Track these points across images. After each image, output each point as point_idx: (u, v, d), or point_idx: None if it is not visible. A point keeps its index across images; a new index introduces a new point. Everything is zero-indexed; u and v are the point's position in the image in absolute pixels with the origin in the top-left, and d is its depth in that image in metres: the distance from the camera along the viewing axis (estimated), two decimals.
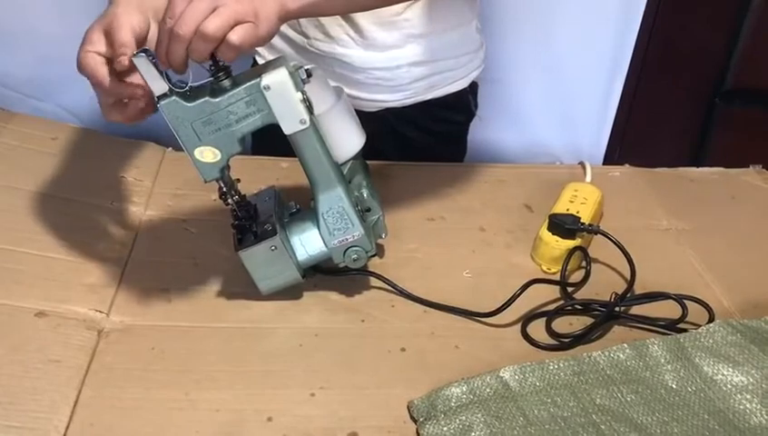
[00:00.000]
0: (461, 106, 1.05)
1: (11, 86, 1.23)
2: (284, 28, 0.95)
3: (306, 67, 0.70)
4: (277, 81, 0.67)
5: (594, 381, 0.69)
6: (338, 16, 0.91)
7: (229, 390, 0.68)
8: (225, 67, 0.67)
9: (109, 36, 0.66)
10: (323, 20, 0.92)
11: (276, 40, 0.98)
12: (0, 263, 0.79)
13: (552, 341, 0.75)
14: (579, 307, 0.79)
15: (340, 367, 0.71)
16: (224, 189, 0.73)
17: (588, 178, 1.03)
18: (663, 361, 0.71)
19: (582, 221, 0.86)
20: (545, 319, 0.77)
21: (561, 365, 0.70)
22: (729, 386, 0.68)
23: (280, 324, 0.76)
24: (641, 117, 1.54)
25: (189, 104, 0.67)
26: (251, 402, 0.66)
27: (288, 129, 0.69)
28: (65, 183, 0.93)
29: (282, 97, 0.67)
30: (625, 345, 0.72)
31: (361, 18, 0.91)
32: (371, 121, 0.98)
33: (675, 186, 1.05)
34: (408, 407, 0.67)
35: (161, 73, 0.65)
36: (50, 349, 0.69)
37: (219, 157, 0.70)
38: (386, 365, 0.72)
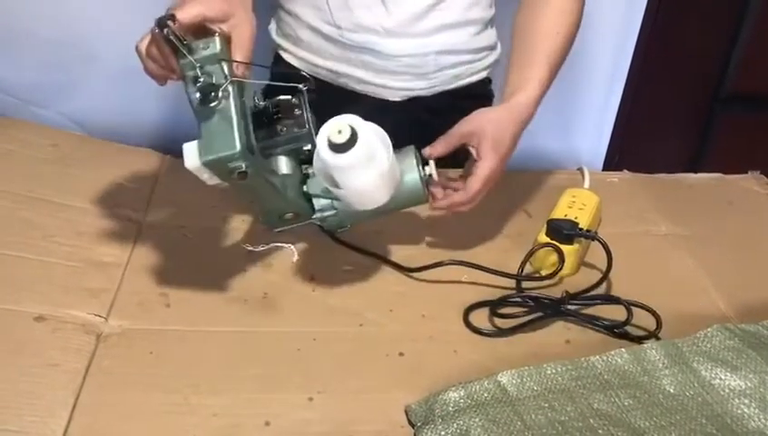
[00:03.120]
0: (483, 97, 1.08)
1: (11, 93, 1.23)
2: (314, 21, 0.97)
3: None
4: None
5: (591, 386, 0.69)
6: (373, 7, 0.93)
7: (227, 394, 0.68)
8: None
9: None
10: (357, 12, 0.94)
11: (304, 33, 0.99)
12: None
13: (492, 328, 0.78)
14: (530, 301, 0.80)
15: (338, 371, 0.71)
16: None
17: (587, 184, 1.03)
18: (661, 365, 0.71)
19: (580, 226, 0.86)
20: (488, 308, 0.80)
21: (559, 370, 0.70)
22: (727, 390, 0.68)
23: (279, 329, 0.76)
24: (640, 123, 1.54)
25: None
26: (249, 407, 0.66)
27: None
28: (65, 188, 0.93)
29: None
30: (623, 350, 0.72)
31: (397, 8, 0.93)
32: (397, 111, 1.00)
33: (674, 192, 1.05)
34: (405, 411, 0.67)
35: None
36: (48, 353, 0.69)
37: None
38: (384, 369, 0.72)
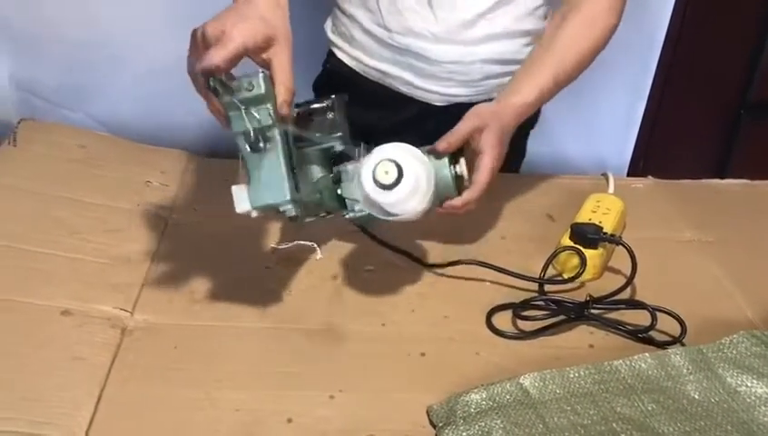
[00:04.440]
0: None
1: (40, 95, 1.25)
2: (367, 22, 0.98)
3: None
4: None
5: (615, 390, 0.68)
6: (422, 12, 0.94)
7: (249, 390, 0.68)
8: None
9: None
10: (407, 15, 0.94)
11: (357, 33, 1.00)
12: (28, 264, 0.80)
13: (515, 331, 0.77)
14: (553, 304, 0.80)
15: (360, 370, 0.72)
16: None
17: (611, 189, 1.03)
18: (685, 371, 0.70)
19: (604, 231, 0.86)
20: (511, 310, 0.80)
21: (582, 373, 0.70)
22: (753, 397, 0.67)
23: (302, 326, 0.77)
24: (665, 130, 1.53)
25: None
26: (271, 403, 0.67)
27: None
28: (92, 187, 0.95)
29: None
30: (647, 355, 0.71)
31: (448, 14, 0.93)
32: (440, 115, 1.00)
33: (699, 198, 1.04)
34: (427, 412, 0.67)
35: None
36: (75, 347, 0.70)
37: None
38: (405, 370, 0.72)
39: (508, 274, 0.84)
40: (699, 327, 0.77)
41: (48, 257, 0.82)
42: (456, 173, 0.81)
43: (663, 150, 1.55)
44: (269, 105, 0.68)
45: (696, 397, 0.68)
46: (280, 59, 0.70)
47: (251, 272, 0.82)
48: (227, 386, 0.68)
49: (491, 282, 0.85)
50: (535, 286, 0.83)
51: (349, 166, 0.78)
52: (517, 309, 0.79)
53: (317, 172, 0.79)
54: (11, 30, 1.20)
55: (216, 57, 0.65)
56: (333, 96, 0.79)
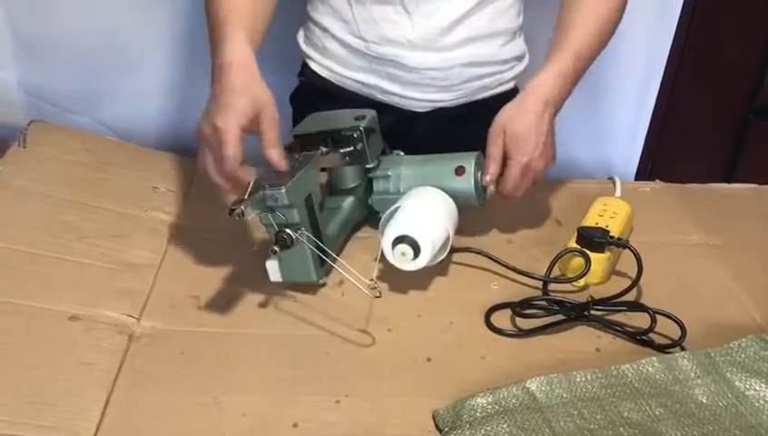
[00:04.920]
0: None
1: (49, 100, 1.26)
2: (341, 32, 0.98)
3: None
4: None
5: (622, 394, 0.68)
6: (398, 21, 0.94)
7: (255, 395, 0.68)
8: None
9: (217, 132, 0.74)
10: (382, 24, 0.95)
11: (331, 44, 1.00)
12: (36, 268, 0.80)
13: (514, 330, 0.78)
14: (554, 304, 0.80)
15: (366, 375, 0.72)
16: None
17: (618, 193, 1.03)
18: (693, 375, 0.70)
19: (611, 234, 0.85)
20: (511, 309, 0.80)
21: (588, 377, 0.69)
22: (761, 402, 0.67)
23: (308, 332, 0.77)
24: (673, 134, 1.52)
25: None
26: (277, 408, 0.67)
27: None
28: (100, 192, 0.95)
29: None
30: (654, 359, 0.71)
31: (424, 21, 0.94)
32: (424, 121, 1.00)
33: (707, 202, 1.04)
34: (433, 416, 0.67)
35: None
36: (82, 352, 0.71)
37: None
38: (411, 374, 0.72)
39: (512, 270, 0.85)
40: (706, 331, 0.77)
41: (55, 261, 0.82)
42: (478, 183, 0.87)
43: (671, 154, 1.54)
44: (295, 211, 0.75)
45: (704, 401, 0.67)
46: (267, 114, 0.76)
47: (258, 277, 0.82)
48: (233, 391, 0.68)
49: (498, 287, 0.84)
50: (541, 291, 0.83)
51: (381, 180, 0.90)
52: (518, 307, 0.79)
53: (350, 181, 0.91)
54: (19, 35, 1.21)
55: (230, 164, 0.73)
56: (361, 128, 0.86)
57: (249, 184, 0.73)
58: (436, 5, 0.93)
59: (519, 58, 1.05)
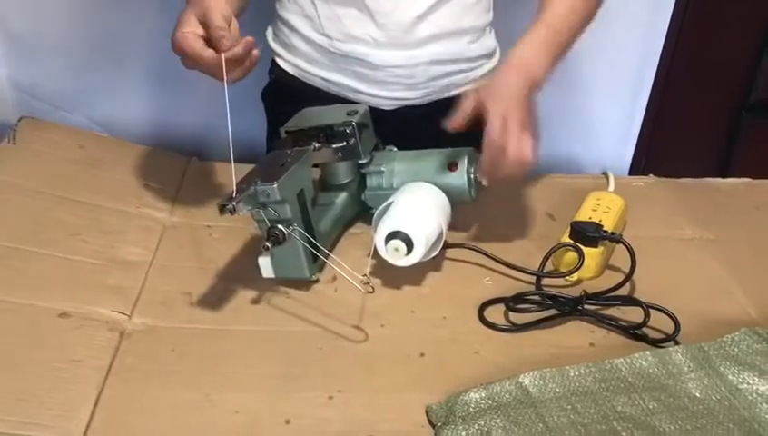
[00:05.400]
0: None
1: (40, 97, 1.25)
2: (306, 30, 0.98)
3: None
4: None
5: (615, 389, 0.68)
6: (362, 18, 0.93)
7: (247, 392, 0.68)
8: None
9: (203, 20, 0.76)
10: (346, 22, 0.94)
11: (298, 41, 1.00)
12: (26, 265, 0.80)
13: (507, 324, 0.78)
14: (547, 299, 0.80)
15: (359, 371, 0.71)
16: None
17: (611, 188, 1.02)
18: (686, 369, 0.70)
19: (604, 229, 0.85)
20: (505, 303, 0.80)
21: (582, 372, 0.69)
22: (755, 395, 0.67)
23: (300, 328, 0.76)
24: (667, 130, 1.53)
25: None
26: (270, 404, 0.67)
27: None
28: (91, 188, 0.94)
29: None
30: (648, 353, 0.71)
31: (387, 18, 0.93)
32: (392, 120, 0.99)
33: (700, 196, 1.04)
34: (426, 411, 0.66)
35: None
36: (72, 349, 0.70)
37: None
38: (405, 370, 0.72)
39: (505, 265, 0.84)
40: (700, 325, 0.76)
41: (46, 258, 0.81)
42: (471, 178, 0.87)
43: (664, 149, 1.54)
44: (287, 206, 0.75)
45: (697, 395, 0.67)
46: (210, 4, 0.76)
47: (250, 274, 0.81)
48: (226, 388, 0.68)
49: (491, 282, 0.84)
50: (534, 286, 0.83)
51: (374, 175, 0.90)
52: (511, 302, 0.79)
53: (343, 177, 0.91)
54: (9, 31, 1.20)
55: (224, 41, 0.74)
56: (353, 123, 0.85)
57: (239, 182, 0.73)
58: (395, 3, 0.92)
59: (489, 56, 1.04)
